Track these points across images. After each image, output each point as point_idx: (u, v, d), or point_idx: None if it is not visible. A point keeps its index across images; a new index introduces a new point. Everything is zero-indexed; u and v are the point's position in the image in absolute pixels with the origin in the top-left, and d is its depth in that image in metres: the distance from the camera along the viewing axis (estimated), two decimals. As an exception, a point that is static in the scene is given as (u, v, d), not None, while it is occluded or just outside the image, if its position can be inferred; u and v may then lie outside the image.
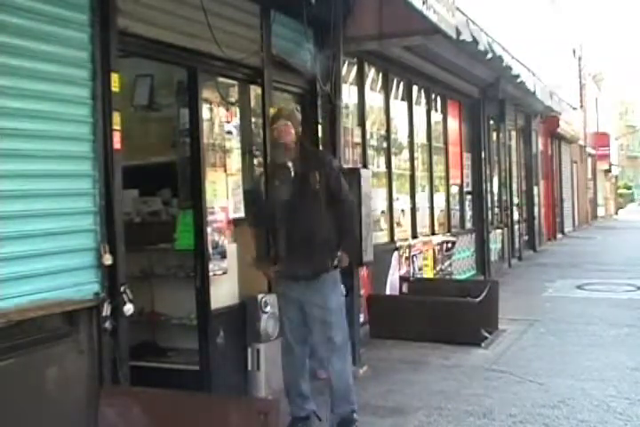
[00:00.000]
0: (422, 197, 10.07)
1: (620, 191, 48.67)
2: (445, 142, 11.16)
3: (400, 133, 9.44)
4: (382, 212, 8.53)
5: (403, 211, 9.39)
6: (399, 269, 8.56)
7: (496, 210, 13.72)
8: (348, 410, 4.65)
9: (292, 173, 4.63)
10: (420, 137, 10.14)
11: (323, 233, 4.57)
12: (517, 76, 10.80)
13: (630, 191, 58.69)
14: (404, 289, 8.24)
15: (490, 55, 8.62)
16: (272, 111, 5.22)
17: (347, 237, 4.74)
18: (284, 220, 4.63)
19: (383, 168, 8.67)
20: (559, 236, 21.45)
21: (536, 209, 17.37)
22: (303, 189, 4.58)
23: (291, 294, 4.69)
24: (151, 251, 5.74)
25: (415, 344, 7.02)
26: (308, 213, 4.57)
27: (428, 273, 9.62)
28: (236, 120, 5.84)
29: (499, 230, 13.66)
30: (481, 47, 8.02)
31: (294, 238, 4.58)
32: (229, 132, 5.73)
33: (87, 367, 3.92)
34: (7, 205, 3.54)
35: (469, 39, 7.21)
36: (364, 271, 7.18)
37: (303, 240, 4.54)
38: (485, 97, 12.49)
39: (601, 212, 35.36)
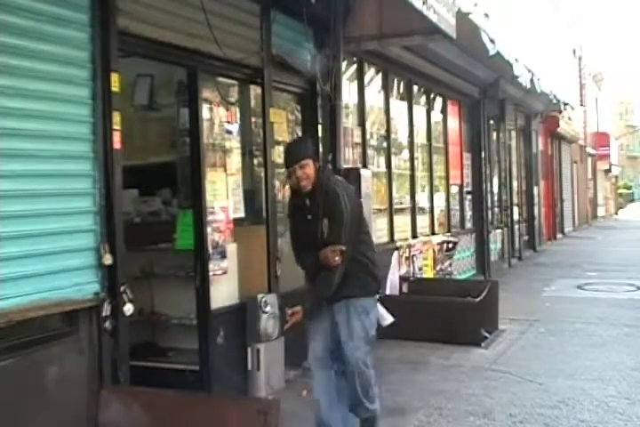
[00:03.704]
0: (422, 197, 10.07)
1: (620, 191, 48.67)
2: (445, 142, 11.16)
3: (400, 133, 9.44)
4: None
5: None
6: (399, 269, 8.56)
7: (496, 210, 13.71)
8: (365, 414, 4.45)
9: (308, 216, 4.35)
10: (420, 137, 10.14)
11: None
12: (517, 77, 10.79)
13: (630, 191, 58.68)
14: (404, 289, 8.24)
15: (493, 52, 8.60)
16: (283, 150, 4.75)
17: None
18: (302, 256, 4.45)
19: (383, 168, 8.67)
20: (559, 236, 21.43)
21: (536, 209, 17.36)
22: (315, 232, 4.30)
23: (317, 322, 4.46)
24: (151, 251, 5.73)
25: (415, 344, 7.02)
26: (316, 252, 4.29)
27: (428, 273, 9.61)
28: (236, 120, 5.84)
29: (499, 230, 13.66)
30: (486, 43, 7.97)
31: (312, 275, 4.40)
32: (229, 132, 5.74)
33: (87, 367, 3.93)
34: (7, 205, 3.54)
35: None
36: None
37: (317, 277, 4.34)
38: (485, 97, 12.49)
39: (601, 212, 35.34)
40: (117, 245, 4.17)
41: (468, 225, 12.09)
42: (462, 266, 11.18)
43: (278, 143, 6.24)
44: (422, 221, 9.92)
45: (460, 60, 9.78)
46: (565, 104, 17.00)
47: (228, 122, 5.72)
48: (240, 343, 5.46)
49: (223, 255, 5.41)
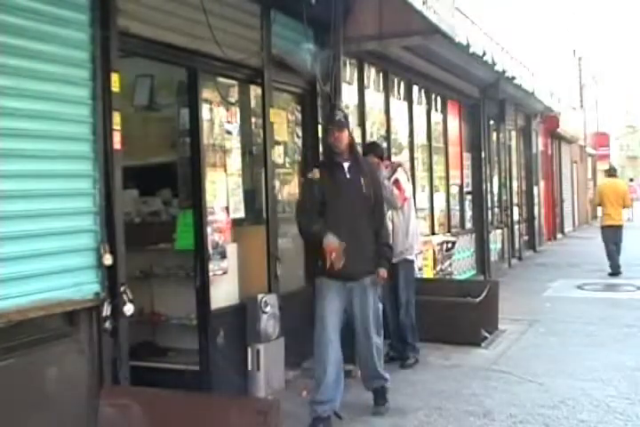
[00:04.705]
0: (422, 197, 10.06)
1: (620, 191, 48.55)
2: (445, 142, 11.15)
3: (400, 133, 9.44)
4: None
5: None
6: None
7: (496, 210, 13.71)
8: (380, 384, 5.18)
9: (347, 174, 4.93)
10: (420, 137, 10.14)
11: (368, 236, 4.91)
12: (513, 79, 10.81)
13: (630, 191, 58.61)
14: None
15: (484, 59, 8.62)
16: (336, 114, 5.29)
17: (383, 246, 5.04)
18: (332, 218, 4.83)
19: (383, 168, 8.65)
20: (559, 236, 21.41)
21: (536, 209, 17.35)
22: (355, 192, 4.89)
23: (336, 289, 4.86)
24: (151, 251, 5.74)
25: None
26: (356, 214, 4.87)
27: (428, 273, 9.61)
28: (236, 120, 5.84)
29: (499, 230, 13.66)
30: (477, 50, 7.98)
31: (344, 238, 4.75)
32: (229, 132, 5.73)
33: (87, 367, 3.93)
34: (7, 205, 3.54)
35: (464, 42, 7.20)
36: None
37: (352, 241, 4.74)
38: (485, 97, 12.49)
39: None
40: (117, 245, 4.17)
41: (468, 225, 12.09)
42: (462, 266, 11.18)
43: (278, 143, 6.25)
44: (422, 222, 9.91)
45: (460, 60, 9.77)
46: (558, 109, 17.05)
47: (228, 122, 5.72)
48: (240, 343, 5.46)
49: (223, 255, 5.41)
